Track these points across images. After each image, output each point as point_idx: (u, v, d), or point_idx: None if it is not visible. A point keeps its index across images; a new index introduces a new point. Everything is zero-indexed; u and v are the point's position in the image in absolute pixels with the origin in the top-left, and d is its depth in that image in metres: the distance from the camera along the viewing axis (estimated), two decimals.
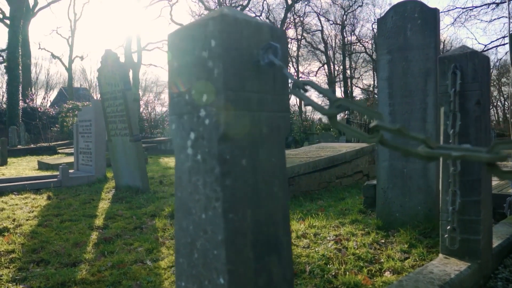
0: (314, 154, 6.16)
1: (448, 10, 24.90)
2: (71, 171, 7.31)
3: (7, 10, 27.40)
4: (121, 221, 4.21)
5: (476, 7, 23.27)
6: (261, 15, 35.85)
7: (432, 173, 3.38)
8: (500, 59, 30.52)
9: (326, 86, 41.70)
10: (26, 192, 5.98)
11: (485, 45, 26.11)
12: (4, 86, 33.75)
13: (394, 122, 3.57)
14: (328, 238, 3.27)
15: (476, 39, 47.23)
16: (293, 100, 43.11)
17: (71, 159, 10.48)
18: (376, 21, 3.72)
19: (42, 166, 9.84)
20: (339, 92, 42.04)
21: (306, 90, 0.87)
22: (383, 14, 3.67)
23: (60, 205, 5.07)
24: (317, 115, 45.37)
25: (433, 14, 3.41)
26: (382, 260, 2.75)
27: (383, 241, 3.17)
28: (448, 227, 1.89)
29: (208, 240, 0.75)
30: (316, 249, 3.00)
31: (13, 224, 4.13)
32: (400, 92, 3.53)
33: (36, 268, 3.00)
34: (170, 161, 11.34)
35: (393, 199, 3.56)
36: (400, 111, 3.53)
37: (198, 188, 0.79)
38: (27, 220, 4.31)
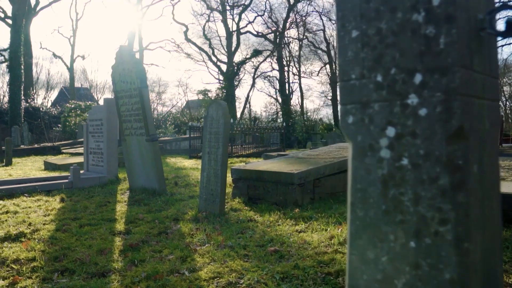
0: (336, 154, 5.94)
1: None
2: (81, 171, 7.08)
3: (8, 9, 27.16)
4: (143, 226, 3.99)
5: None
6: (263, 14, 35.68)
7: None
8: (506, 59, 30.39)
9: (328, 86, 41.46)
10: (37, 193, 5.75)
11: None
12: (5, 86, 33.50)
13: None
14: None
15: None
16: (295, 99, 42.93)
17: (77, 159, 10.24)
18: None
19: (48, 166, 9.60)
20: None
21: None
22: None
23: (75, 208, 4.84)
24: (319, 115, 45.16)
25: None
26: None
27: None
28: None
29: (422, 279, 0.54)
30: None
31: (29, 228, 3.90)
32: None
33: (61, 278, 2.78)
34: (177, 162, 11.12)
35: None
36: None
37: (401, 205, 0.57)
38: (43, 224, 4.08)
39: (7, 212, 4.60)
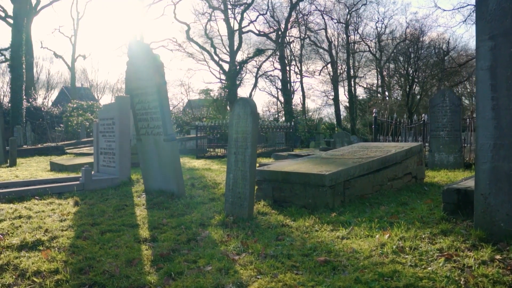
0: (362, 154, 5.66)
1: (460, 8, 24.40)
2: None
3: (8, 8, 26.85)
4: (169, 232, 3.70)
5: None
6: (265, 13, 35.37)
7: None
8: None
9: (330, 85, 41.18)
10: (48, 196, 5.45)
11: None
12: (5, 86, 33.18)
13: (497, 118, 3.08)
14: (432, 253, 2.77)
15: None
16: (297, 99, 42.61)
17: (84, 159, 9.95)
18: (475, 3, 3.22)
19: (55, 167, 9.29)
20: (342, 91, 41.67)
21: None
22: None
23: (92, 212, 4.54)
24: (320, 115, 44.81)
25: None
26: None
27: (499, 257, 2.66)
28: None
29: None
30: (429, 268, 2.50)
31: (46, 235, 3.61)
32: (506, 83, 3.03)
33: None
34: (186, 162, 10.82)
35: (497, 206, 3.06)
36: (506, 106, 3.03)
37: None
38: (61, 230, 3.79)
39: (20, 217, 4.31)
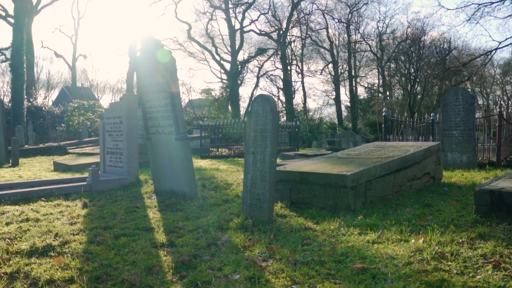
0: (379, 154, 5.46)
1: (464, 7, 24.16)
2: None
3: (9, 7, 26.60)
4: (186, 236, 3.50)
5: (493, 2, 22.51)
6: (267, 13, 35.15)
7: None
8: None
9: (331, 85, 40.97)
10: (55, 197, 5.25)
11: (500, 42, 25.51)
12: (6, 85, 32.93)
13: None
14: (475, 259, 2.57)
15: (490, 35, 46.46)
16: (298, 99, 42.41)
17: (87, 159, 9.75)
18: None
19: (58, 167, 9.08)
20: (343, 91, 41.47)
21: None
22: None
23: (102, 214, 4.34)
24: (321, 114, 44.54)
25: None
26: None
27: None
28: None
29: None
30: (478, 277, 2.30)
31: (57, 240, 3.41)
32: None
33: None
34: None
35: None
36: None
37: None
38: (72, 234, 3.59)
39: (27, 220, 4.10)
